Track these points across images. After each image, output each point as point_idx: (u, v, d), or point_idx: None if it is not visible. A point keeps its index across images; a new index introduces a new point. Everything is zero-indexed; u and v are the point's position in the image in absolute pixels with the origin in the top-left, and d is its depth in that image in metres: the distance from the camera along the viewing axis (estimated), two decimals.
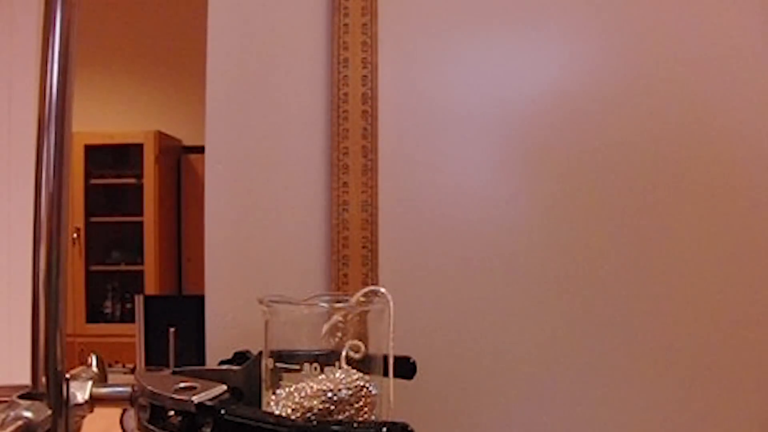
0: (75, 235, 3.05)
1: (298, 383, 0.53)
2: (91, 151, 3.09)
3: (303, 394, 0.51)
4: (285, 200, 0.76)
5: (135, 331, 1.52)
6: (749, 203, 0.76)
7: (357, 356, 0.53)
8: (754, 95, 0.76)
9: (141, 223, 3.08)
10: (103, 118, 3.18)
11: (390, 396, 0.54)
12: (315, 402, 0.51)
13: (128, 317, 3.08)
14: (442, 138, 0.77)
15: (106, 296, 3.23)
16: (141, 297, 1.55)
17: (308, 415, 0.51)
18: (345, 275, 0.73)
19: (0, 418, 0.47)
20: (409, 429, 0.45)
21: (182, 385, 0.52)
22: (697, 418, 0.76)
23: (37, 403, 0.50)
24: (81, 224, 3.06)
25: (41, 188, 0.51)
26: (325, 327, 0.53)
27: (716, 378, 0.76)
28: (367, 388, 0.53)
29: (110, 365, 2.48)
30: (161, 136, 3.15)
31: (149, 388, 0.52)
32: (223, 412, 0.48)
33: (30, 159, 0.52)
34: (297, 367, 0.53)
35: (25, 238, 0.56)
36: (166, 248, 3.19)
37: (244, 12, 0.77)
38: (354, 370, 0.53)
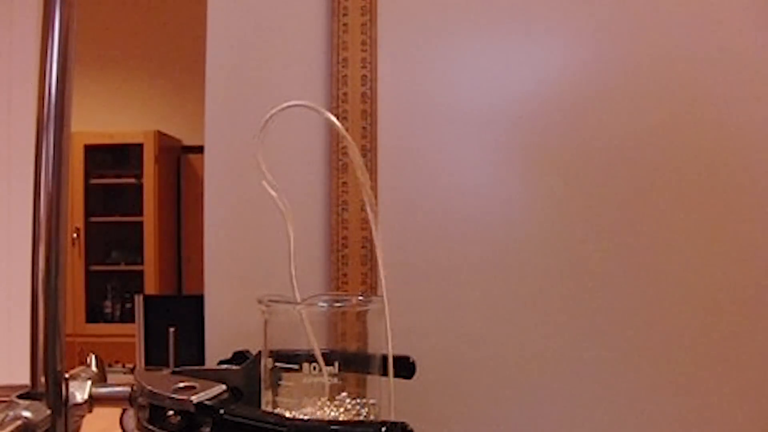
0: (75, 235, 3.05)
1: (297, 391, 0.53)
2: (90, 151, 3.10)
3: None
4: (285, 200, 0.76)
5: (135, 331, 1.52)
6: (750, 200, 0.76)
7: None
8: (753, 91, 0.76)
9: (141, 223, 3.08)
10: (103, 118, 3.18)
11: (391, 397, 0.54)
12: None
13: (128, 317, 3.08)
14: (442, 137, 0.77)
15: (106, 296, 3.24)
16: (141, 297, 1.55)
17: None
18: (344, 275, 0.73)
19: None
20: (408, 429, 0.45)
21: (182, 384, 0.52)
22: (698, 418, 0.76)
23: (36, 402, 0.49)
24: (81, 224, 3.06)
25: (40, 188, 0.51)
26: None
27: (717, 378, 0.76)
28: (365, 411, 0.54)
29: (110, 365, 2.48)
30: (161, 136, 3.15)
31: (149, 387, 0.52)
32: (222, 411, 0.48)
33: (29, 159, 0.52)
34: (296, 366, 0.53)
35: (24, 238, 0.56)
36: (166, 248, 3.19)
37: (244, 12, 0.77)
38: (348, 400, 0.53)
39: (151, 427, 0.52)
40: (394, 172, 0.76)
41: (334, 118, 0.56)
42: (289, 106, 0.54)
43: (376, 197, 0.75)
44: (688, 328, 0.76)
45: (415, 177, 0.76)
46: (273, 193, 0.53)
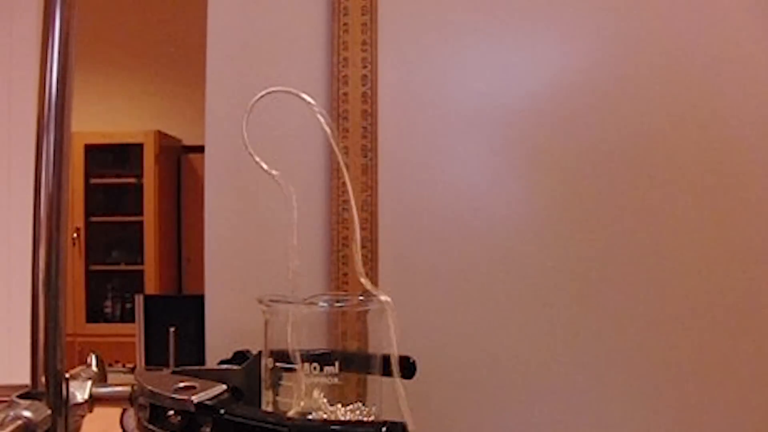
0: (75, 235, 3.05)
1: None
2: (91, 150, 3.10)
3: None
4: (285, 200, 0.76)
5: (135, 331, 1.52)
6: (750, 201, 0.76)
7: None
8: (754, 92, 0.76)
9: (141, 223, 3.08)
10: (103, 118, 3.18)
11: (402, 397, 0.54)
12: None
13: (128, 317, 3.08)
14: (442, 137, 0.77)
15: (106, 296, 3.23)
16: (141, 297, 1.54)
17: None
18: (345, 275, 0.73)
19: None
20: (408, 429, 0.45)
21: (182, 384, 0.52)
22: (697, 418, 0.76)
23: (36, 402, 0.49)
24: (81, 224, 3.06)
25: (41, 188, 0.51)
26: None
27: (716, 378, 0.76)
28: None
29: (110, 365, 2.47)
30: (161, 136, 3.15)
31: (149, 387, 0.52)
32: (222, 411, 0.48)
33: (30, 159, 0.52)
34: (297, 366, 0.53)
35: (25, 238, 0.56)
36: (166, 248, 3.19)
37: (244, 12, 0.77)
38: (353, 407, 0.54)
39: (151, 426, 0.51)
40: (394, 171, 0.76)
41: (313, 102, 0.57)
42: (270, 92, 0.54)
43: (375, 197, 0.75)
44: (688, 328, 0.76)
45: (416, 176, 0.76)
46: (272, 171, 0.53)
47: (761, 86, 0.76)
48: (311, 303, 0.56)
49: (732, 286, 0.76)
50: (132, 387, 0.55)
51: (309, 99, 0.55)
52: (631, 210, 0.76)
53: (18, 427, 0.47)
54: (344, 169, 0.62)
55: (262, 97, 0.53)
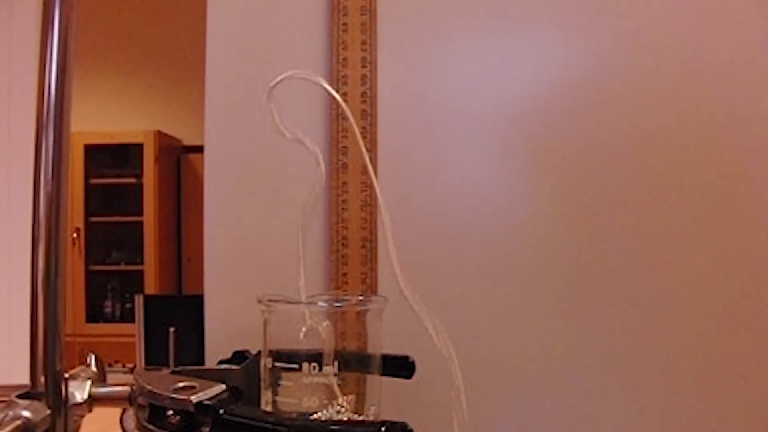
0: (75, 235, 3.05)
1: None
2: (90, 150, 3.10)
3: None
4: (284, 200, 0.76)
5: (135, 331, 1.52)
6: (751, 200, 0.76)
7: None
8: (752, 89, 0.76)
9: (141, 223, 3.09)
10: (103, 118, 3.18)
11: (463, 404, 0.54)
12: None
13: (128, 317, 3.09)
14: (442, 137, 0.77)
15: (106, 296, 3.24)
16: (141, 297, 1.55)
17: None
18: (344, 274, 0.73)
19: None
20: (408, 429, 0.45)
21: (181, 384, 0.52)
22: (698, 418, 0.76)
23: (35, 402, 0.49)
24: (81, 224, 3.07)
25: (40, 188, 0.51)
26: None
27: (717, 378, 0.76)
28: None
29: (110, 365, 2.48)
30: (161, 136, 3.16)
31: (148, 387, 0.52)
32: (221, 411, 0.48)
33: (29, 159, 0.52)
34: (296, 366, 0.53)
35: (24, 238, 0.56)
36: (166, 248, 3.19)
37: (244, 12, 0.77)
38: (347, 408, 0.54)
39: (150, 426, 0.52)
40: (394, 171, 0.76)
41: (333, 91, 0.57)
42: (288, 77, 0.54)
43: (375, 197, 0.75)
44: (690, 328, 0.76)
45: (416, 177, 0.76)
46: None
47: (763, 86, 0.76)
48: (311, 303, 0.56)
49: (734, 285, 0.76)
50: (131, 387, 0.55)
51: (332, 90, 0.56)
52: (633, 210, 0.76)
53: (17, 427, 0.47)
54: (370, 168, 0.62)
55: (284, 78, 0.53)
